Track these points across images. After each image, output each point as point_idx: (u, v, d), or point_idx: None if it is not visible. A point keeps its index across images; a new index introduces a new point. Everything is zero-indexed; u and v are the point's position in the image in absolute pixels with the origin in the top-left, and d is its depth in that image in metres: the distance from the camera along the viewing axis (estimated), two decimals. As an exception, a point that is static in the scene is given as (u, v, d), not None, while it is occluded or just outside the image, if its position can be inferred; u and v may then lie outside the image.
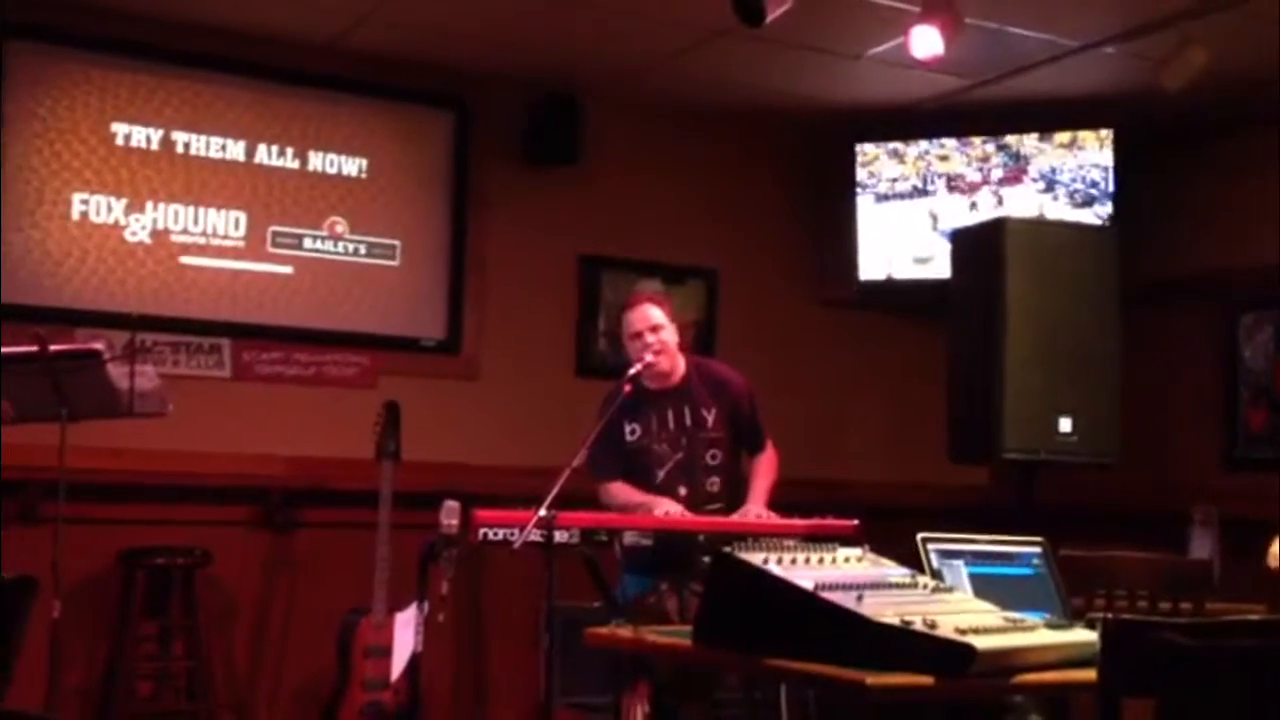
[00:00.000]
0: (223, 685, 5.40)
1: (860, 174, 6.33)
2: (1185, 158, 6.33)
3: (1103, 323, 5.16)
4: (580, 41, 5.52)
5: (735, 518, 4.25)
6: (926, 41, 4.88)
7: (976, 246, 5.27)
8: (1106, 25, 5.15)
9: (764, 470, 4.51)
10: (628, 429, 4.38)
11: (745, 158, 6.55)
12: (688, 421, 4.42)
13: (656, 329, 4.37)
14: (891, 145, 6.26)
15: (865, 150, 6.30)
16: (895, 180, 6.21)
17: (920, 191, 6.20)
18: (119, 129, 5.43)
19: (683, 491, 4.34)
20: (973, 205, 6.11)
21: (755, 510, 4.30)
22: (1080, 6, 4.99)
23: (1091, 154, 6.00)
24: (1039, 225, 5.45)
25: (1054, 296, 5.08)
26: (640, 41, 5.48)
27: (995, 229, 5.19)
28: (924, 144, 6.19)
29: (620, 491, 4.37)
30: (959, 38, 4.89)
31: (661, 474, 4.38)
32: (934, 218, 6.18)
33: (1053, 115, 6.05)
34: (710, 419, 4.43)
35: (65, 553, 4.26)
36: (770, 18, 4.34)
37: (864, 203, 6.35)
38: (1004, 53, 5.43)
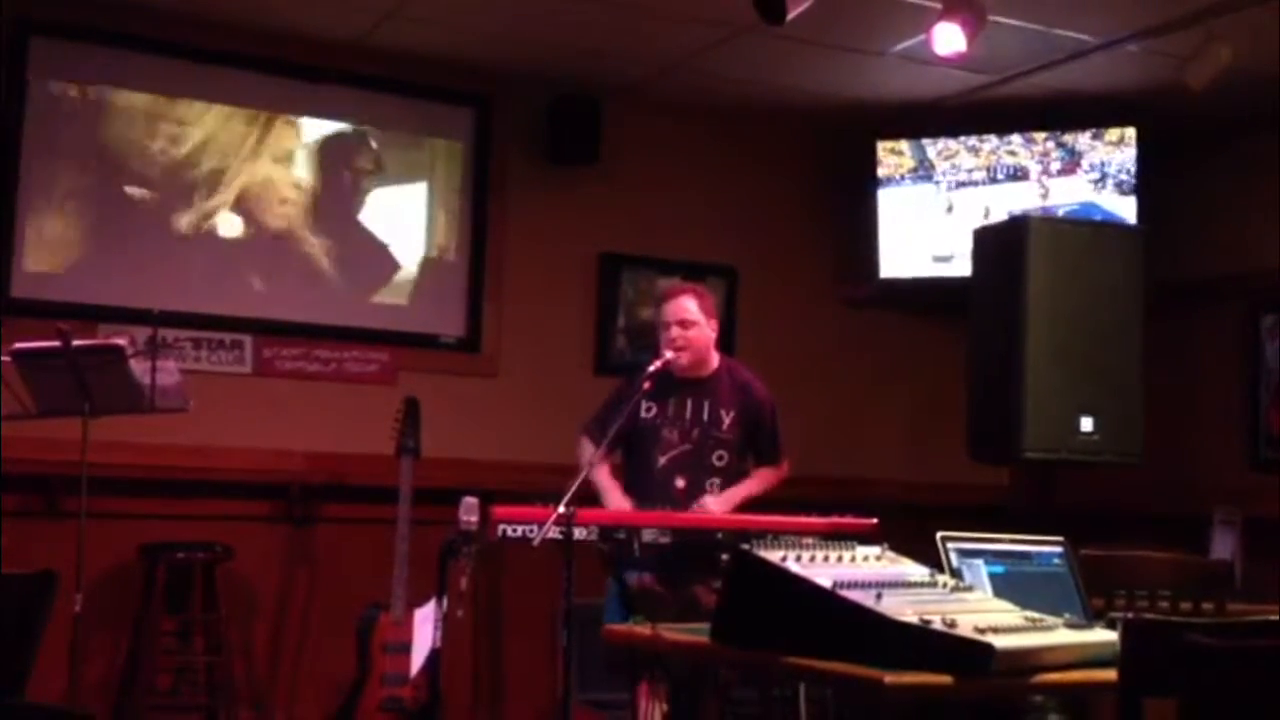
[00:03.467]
0: (242, 680, 5.42)
1: (942, 165, 6.29)
2: (1209, 157, 6.30)
3: (1125, 322, 5.13)
4: (601, 40, 5.51)
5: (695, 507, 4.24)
6: (949, 38, 4.86)
7: (998, 245, 5.25)
8: (1130, 22, 5.12)
9: (759, 476, 4.48)
10: (644, 406, 4.36)
11: (766, 156, 6.54)
12: (704, 416, 4.41)
13: (685, 324, 4.36)
14: (970, 143, 6.24)
15: (949, 146, 6.27)
16: (972, 170, 6.22)
17: (992, 181, 6.21)
18: (141, 125, 5.47)
19: (680, 484, 4.34)
20: (1040, 188, 6.12)
21: (710, 499, 4.27)
22: (1104, 3, 4.96)
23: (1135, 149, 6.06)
24: (1061, 224, 5.43)
25: (1076, 295, 5.06)
26: (661, 40, 5.47)
27: (1017, 228, 5.17)
28: (995, 140, 6.19)
29: (590, 457, 4.31)
30: (981, 34, 4.87)
31: (663, 460, 4.38)
32: (986, 210, 6.20)
33: (1076, 113, 6.03)
34: (726, 420, 4.42)
35: (87, 547, 4.29)
36: (791, 15, 4.33)
37: (943, 186, 6.33)
38: (1027, 49, 5.41)
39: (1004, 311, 5.08)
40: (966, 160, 6.27)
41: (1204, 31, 4.96)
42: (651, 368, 4.28)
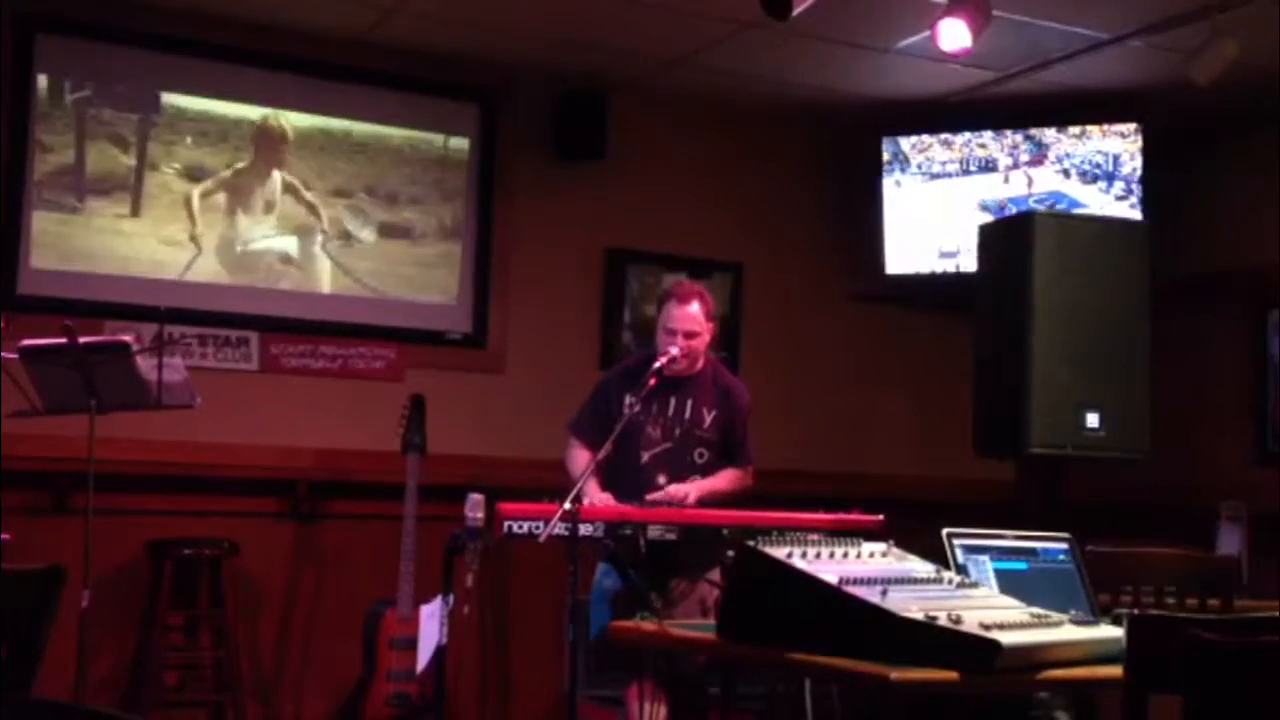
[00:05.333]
0: (249, 675, 5.44)
1: (917, 159, 6.32)
2: (1215, 151, 6.29)
3: (1131, 317, 5.13)
4: (608, 35, 5.51)
5: (661, 495, 4.25)
6: (954, 34, 4.86)
7: (1003, 240, 5.25)
8: (1135, 17, 5.11)
9: (724, 475, 4.45)
10: (628, 400, 4.38)
11: (772, 152, 6.54)
12: (686, 415, 4.43)
13: (691, 335, 4.37)
14: (943, 137, 6.27)
15: (923, 140, 6.31)
16: (945, 163, 6.27)
17: (965, 172, 6.26)
18: (148, 122, 5.47)
19: (662, 480, 4.36)
20: (1005, 180, 6.20)
21: (683, 488, 4.26)
22: (1109, -1, 4.96)
23: (1096, 141, 6.14)
24: (1067, 219, 5.43)
25: (1082, 291, 5.05)
26: (667, 36, 5.47)
27: (1023, 223, 5.17)
28: (968, 135, 6.25)
29: (579, 461, 4.37)
30: (987, 30, 4.87)
31: (646, 456, 4.40)
32: (981, 201, 6.25)
33: (1081, 108, 6.03)
34: (708, 420, 4.44)
35: (94, 543, 4.30)
36: (796, 11, 4.33)
37: (916, 181, 6.35)
38: (1032, 45, 5.40)
39: (1010, 307, 5.08)
40: (940, 153, 6.30)
41: (1209, 26, 4.95)
42: (657, 364, 4.28)
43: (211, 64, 5.54)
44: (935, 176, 6.32)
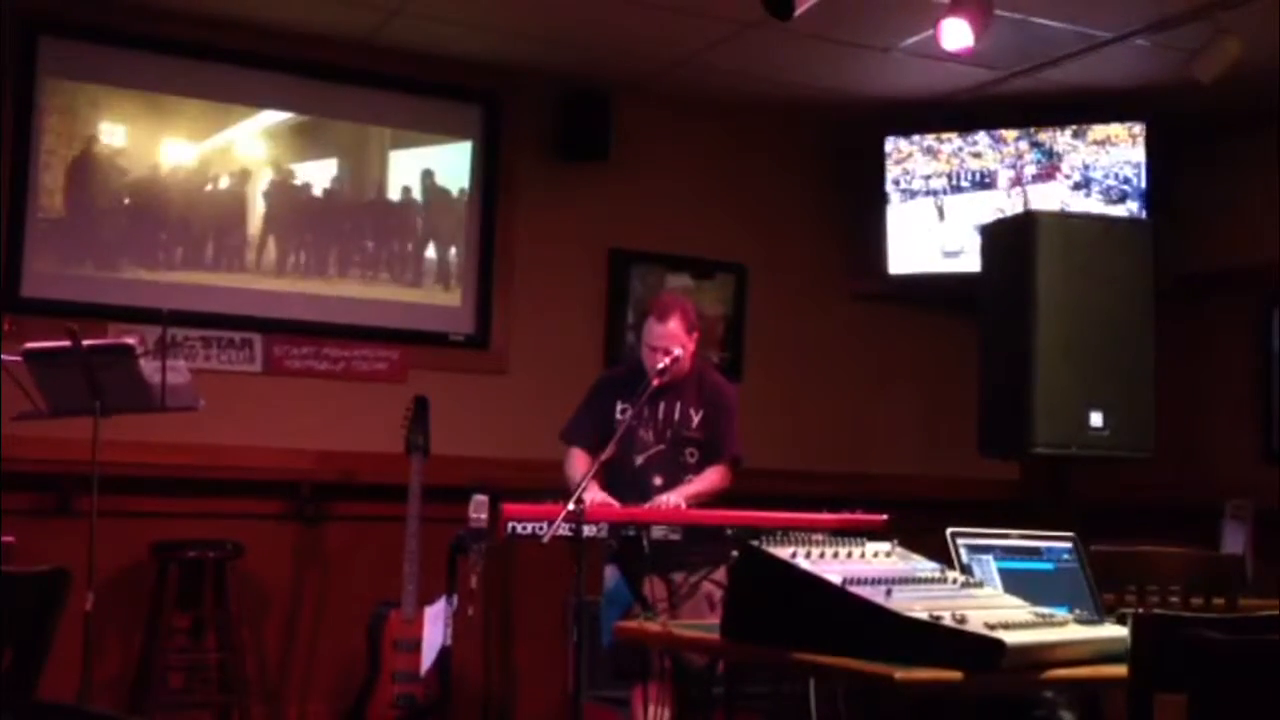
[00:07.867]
0: (254, 677, 5.44)
1: (894, 171, 6.31)
2: (1218, 150, 6.28)
3: (1135, 316, 5.12)
4: (611, 36, 5.51)
5: (648, 505, 4.26)
6: (956, 33, 4.85)
7: (1007, 240, 5.24)
8: (1139, 16, 5.11)
9: (706, 475, 4.48)
10: (619, 407, 4.45)
11: (775, 152, 6.54)
12: (675, 417, 4.50)
13: (670, 353, 4.41)
14: (926, 144, 6.23)
15: (900, 148, 6.28)
16: (929, 177, 6.21)
17: (955, 188, 6.19)
18: (151, 125, 5.47)
19: (658, 481, 4.41)
20: (1008, 195, 6.12)
21: (670, 497, 4.28)
22: (1112, -3, 4.96)
23: (1124, 151, 6.03)
24: (1069, 219, 5.41)
25: (1085, 290, 5.05)
26: (670, 36, 5.47)
27: (1025, 223, 5.16)
28: (958, 141, 6.18)
29: (578, 466, 4.42)
30: (989, 29, 4.86)
31: (641, 460, 4.46)
32: (946, 211, 6.18)
33: (1085, 107, 6.02)
34: (695, 419, 4.51)
35: (99, 545, 4.31)
36: (799, 11, 4.33)
37: (894, 198, 6.34)
38: (1035, 44, 5.40)
39: (1014, 306, 5.07)
40: (923, 166, 6.23)
41: (1213, 25, 4.95)
42: (654, 376, 4.34)
43: (215, 66, 5.53)
44: (917, 194, 6.26)
